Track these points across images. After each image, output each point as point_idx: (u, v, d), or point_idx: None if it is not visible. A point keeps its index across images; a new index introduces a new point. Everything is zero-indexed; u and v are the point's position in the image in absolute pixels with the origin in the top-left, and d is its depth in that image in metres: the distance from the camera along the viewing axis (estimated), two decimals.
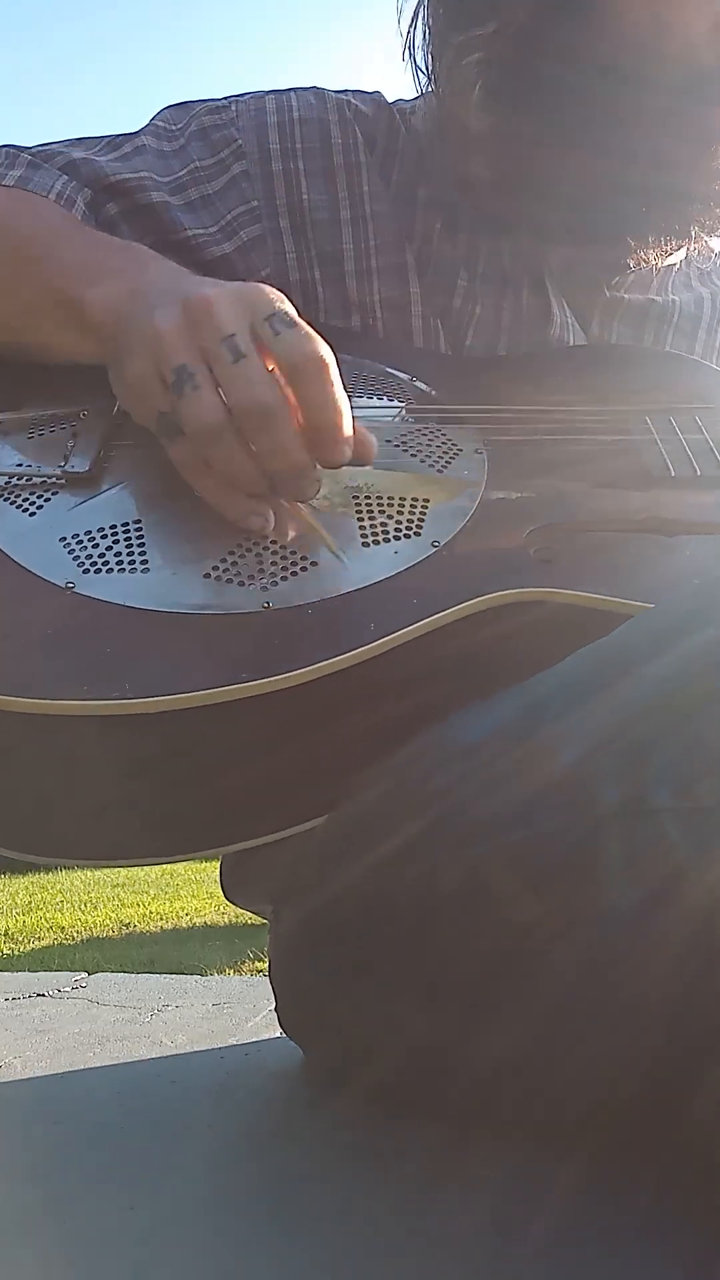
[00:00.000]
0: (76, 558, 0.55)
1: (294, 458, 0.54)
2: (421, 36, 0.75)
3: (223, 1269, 0.49)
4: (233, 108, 0.79)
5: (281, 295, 0.56)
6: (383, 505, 0.60)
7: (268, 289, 0.56)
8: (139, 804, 0.55)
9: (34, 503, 0.59)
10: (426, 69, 0.76)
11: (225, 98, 0.80)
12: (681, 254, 0.85)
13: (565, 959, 0.47)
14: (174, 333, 0.54)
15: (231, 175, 0.76)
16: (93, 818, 0.55)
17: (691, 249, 0.83)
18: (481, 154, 0.74)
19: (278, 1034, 0.75)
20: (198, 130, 0.78)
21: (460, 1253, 0.48)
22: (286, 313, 0.55)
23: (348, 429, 0.55)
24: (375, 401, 0.70)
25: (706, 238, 0.78)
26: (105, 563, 0.55)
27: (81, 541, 0.56)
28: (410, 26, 0.75)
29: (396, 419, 0.69)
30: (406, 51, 0.76)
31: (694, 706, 0.42)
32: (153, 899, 5.22)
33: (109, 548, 0.56)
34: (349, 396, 0.67)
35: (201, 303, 0.54)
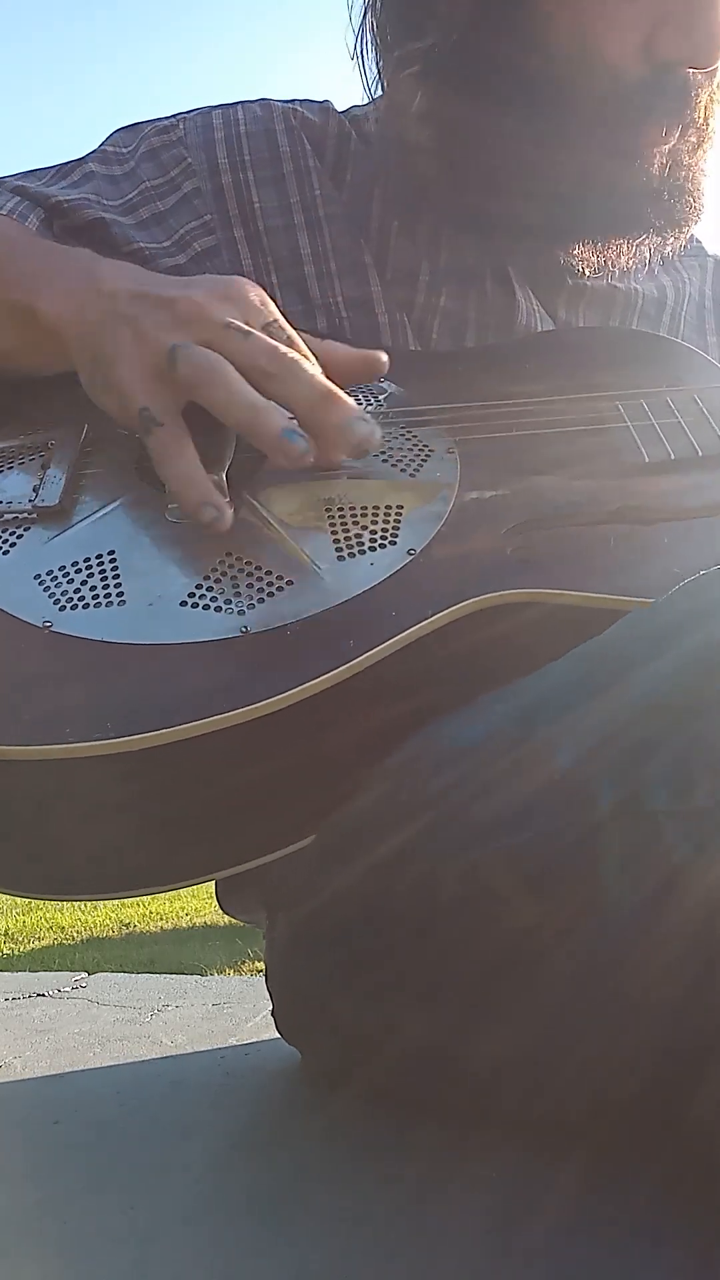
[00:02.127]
0: (52, 595, 0.54)
1: (314, 380, 0.54)
2: (370, 48, 0.76)
3: (222, 1269, 0.49)
4: (180, 126, 0.79)
5: (262, 293, 0.57)
6: (356, 516, 0.59)
7: (249, 286, 0.56)
8: (127, 838, 0.54)
9: (8, 540, 0.58)
10: (374, 79, 0.77)
11: (173, 116, 0.81)
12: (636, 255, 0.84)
13: (564, 961, 0.47)
14: (165, 331, 0.54)
15: (183, 193, 0.77)
16: (82, 853, 0.55)
17: (634, 252, 0.83)
18: (427, 155, 0.74)
19: (277, 1034, 0.75)
20: (147, 152, 0.79)
21: (460, 1253, 0.48)
22: (278, 321, 0.56)
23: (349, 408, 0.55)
24: None
25: (644, 247, 0.77)
26: (81, 598, 0.54)
27: (56, 578, 0.55)
28: (358, 39, 0.76)
29: None
30: (357, 61, 0.77)
31: (692, 708, 0.42)
32: (153, 899, 5.21)
33: (84, 582, 0.55)
34: None
35: (191, 304, 0.55)
